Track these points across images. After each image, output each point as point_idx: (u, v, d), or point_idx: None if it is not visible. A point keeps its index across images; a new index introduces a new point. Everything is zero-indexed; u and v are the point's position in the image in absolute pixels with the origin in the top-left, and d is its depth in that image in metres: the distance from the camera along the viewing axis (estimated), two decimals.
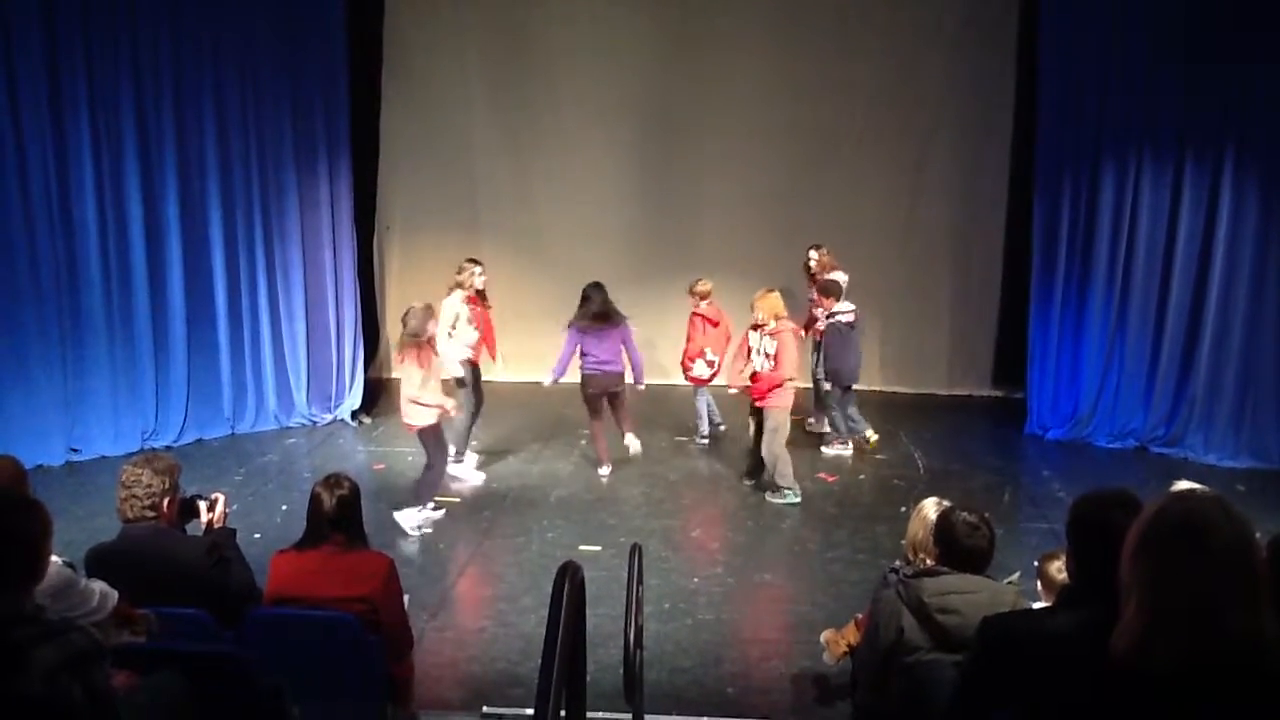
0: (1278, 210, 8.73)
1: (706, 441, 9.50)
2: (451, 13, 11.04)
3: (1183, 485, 4.44)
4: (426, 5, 10.98)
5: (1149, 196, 9.11)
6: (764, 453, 7.93)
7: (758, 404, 7.99)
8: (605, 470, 8.47)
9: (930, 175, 11.02)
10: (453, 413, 7.50)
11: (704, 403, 9.47)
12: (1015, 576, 4.28)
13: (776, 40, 10.81)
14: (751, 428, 8.22)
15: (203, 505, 4.25)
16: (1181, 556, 1.85)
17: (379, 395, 10.71)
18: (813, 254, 9.60)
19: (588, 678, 4.32)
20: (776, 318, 7.85)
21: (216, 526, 4.25)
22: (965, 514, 3.71)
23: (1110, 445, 9.43)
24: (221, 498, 4.34)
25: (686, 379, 9.43)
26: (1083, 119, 9.18)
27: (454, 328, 8.30)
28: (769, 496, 8.01)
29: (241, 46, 9.11)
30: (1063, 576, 3.79)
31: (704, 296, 9.23)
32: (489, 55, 11.08)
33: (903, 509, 7.46)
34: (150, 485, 4.00)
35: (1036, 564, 4.28)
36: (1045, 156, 9.46)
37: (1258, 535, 2.06)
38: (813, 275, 9.58)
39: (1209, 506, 1.91)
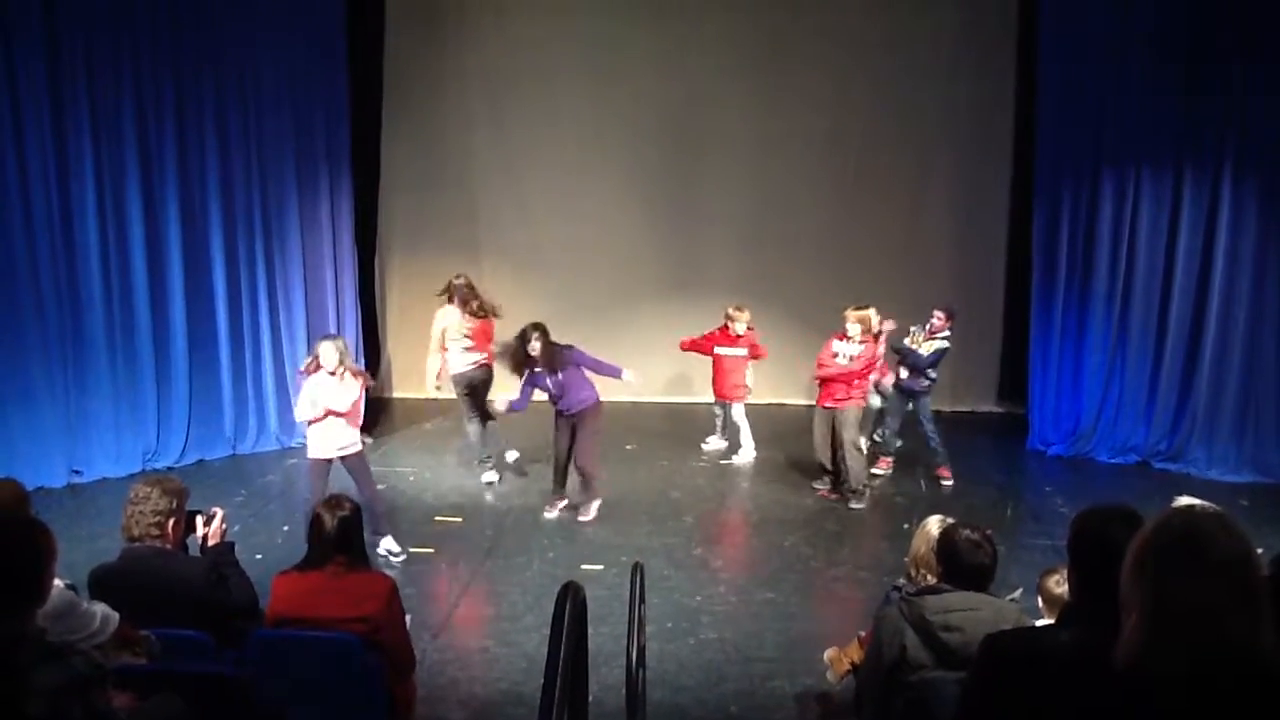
0: (1277, 223, 8.75)
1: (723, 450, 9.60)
2: (452, 33, 11.11)
3: (1185, 501, 4.45)
4: (427, 25, 11.05)
5: (1148, 210, 9.13)
6: (848, 457, 8.16)
7: (833, 406, 8.21)
8: (552, 514, 7.99)
9: (931, 189, 11.06)
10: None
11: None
12: (1017, 593, 4.27)
13: (774, 56, 10.86)
14: (817, 436, 8.35)
15: (199, 520, 4.26)
16: (1181, 568, 1.85)
17: (380, 415, 10.72)
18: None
19: (590, 697, 4.31)
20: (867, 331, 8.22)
21: (212, 543, 4.25)
22: (967, 531, 3.70)
23: (1112, 461, 9.42)
24: (220, 513, 4.34)
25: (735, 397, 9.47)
26: (1082, 133, 9.22)
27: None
28: (853, 504, 8.22)
29: (243, 67, 9.15)
30: (1061, 591, 3.80)
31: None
32: (489, 75, 11.13)
33: (905, 526, 7.45)
34: (158, 504, 4.03)
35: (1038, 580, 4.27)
36: (1044, 170, 9.50)
37: (1259, 551, 2.06)
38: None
39: (1208, 520, 1.91)
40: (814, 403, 11.03)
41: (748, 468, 9.33)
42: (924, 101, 10.78)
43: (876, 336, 8.36)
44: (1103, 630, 2.03)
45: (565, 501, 8.03)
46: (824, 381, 8.27)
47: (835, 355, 8.24)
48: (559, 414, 7.81)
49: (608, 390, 11.19)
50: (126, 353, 8.75)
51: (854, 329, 8.17)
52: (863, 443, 8.55)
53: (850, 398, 8.19)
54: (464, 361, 8.60)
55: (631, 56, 11.01)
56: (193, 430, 9.23)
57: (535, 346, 7.53)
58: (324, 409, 6.76)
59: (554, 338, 7.65)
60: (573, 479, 8.01)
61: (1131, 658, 1.87)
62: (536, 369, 7.61)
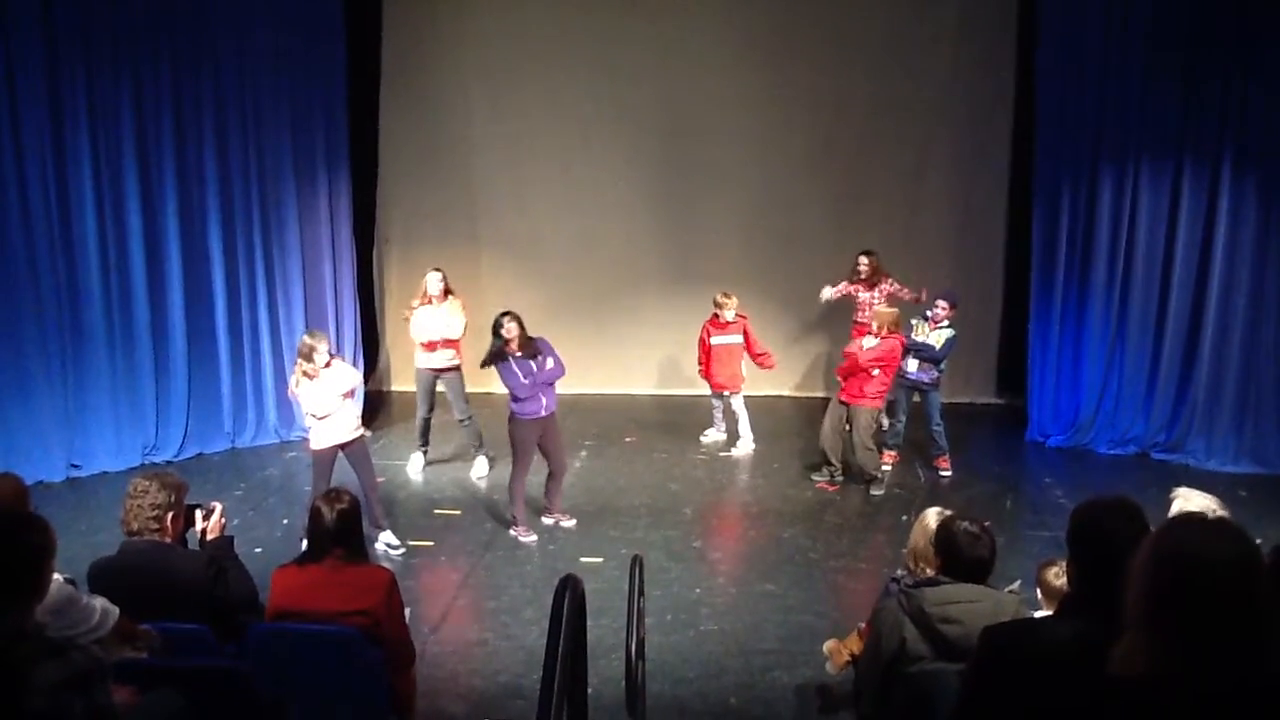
0: (1276, 215, 8.74)
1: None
2: (450, 26, 11.06)
3: (1184, 491, 4.45)
4: (425, 18, 11.00)
5: (1147, 203, 9.12)
6: (858, 453, 8.32)
7: (848, 401, 8.31)
8: (530, 538, 7.43)
9: (930, 183, 11.02)
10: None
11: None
12: (1016, 585, 4.26)
13: (775, 49, 10.82)
14: (827, 425, 8.43)
15: (199, 514, 4.26)
16: (1186, 597, 1.83)
17: (379, 408, 10.73)
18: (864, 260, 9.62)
19: (590, 690, 4.32)
20: (891, 330, 8.30)
21: (211, 536, 4.26)
22: (966, 524, 3.70)
23: (1111, 452, 9.42)
24: (219, 506, 4.35)
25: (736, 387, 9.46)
26: (1081, 127, 9.19)
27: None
28: (873, 490, 8.36)
29: (240, 61, 9.12)
30: (1060, 582, 3.80)
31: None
32: (487, 67, 11.10)
33: (904, 517, 7.47)
34: (156, 498, 4.03)
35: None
36: (1044, 164, 9.47)
37: (1258, 542, 2.05)
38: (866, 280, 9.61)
39: (1212, 542, 1.88)
40: (812, 394, 11.16)
41: (746, 460, 9.33)
42: (923, 95, 10.73)
43: (895, 332, 8.32)
44: (1101, 621, 2.03)
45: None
46: (844, 376, 8.37)
47: (858, 346, 8.33)
48: (528, 419, 7.22)
49: (602, 382, 11.26)
50: (125, 347, 8.75)
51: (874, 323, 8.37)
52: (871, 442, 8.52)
53: (864, 395, 8.21)
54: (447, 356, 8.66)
55: (631, 48, 10.97)
56: (191, 424, 9.23)
57: (511, 329, 7.12)
58: (342, 396, 6.87)
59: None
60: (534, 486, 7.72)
61: (1133, 668, 1.86)
62: (516, 355, 7.16)
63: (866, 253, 9.63)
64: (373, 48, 10.73)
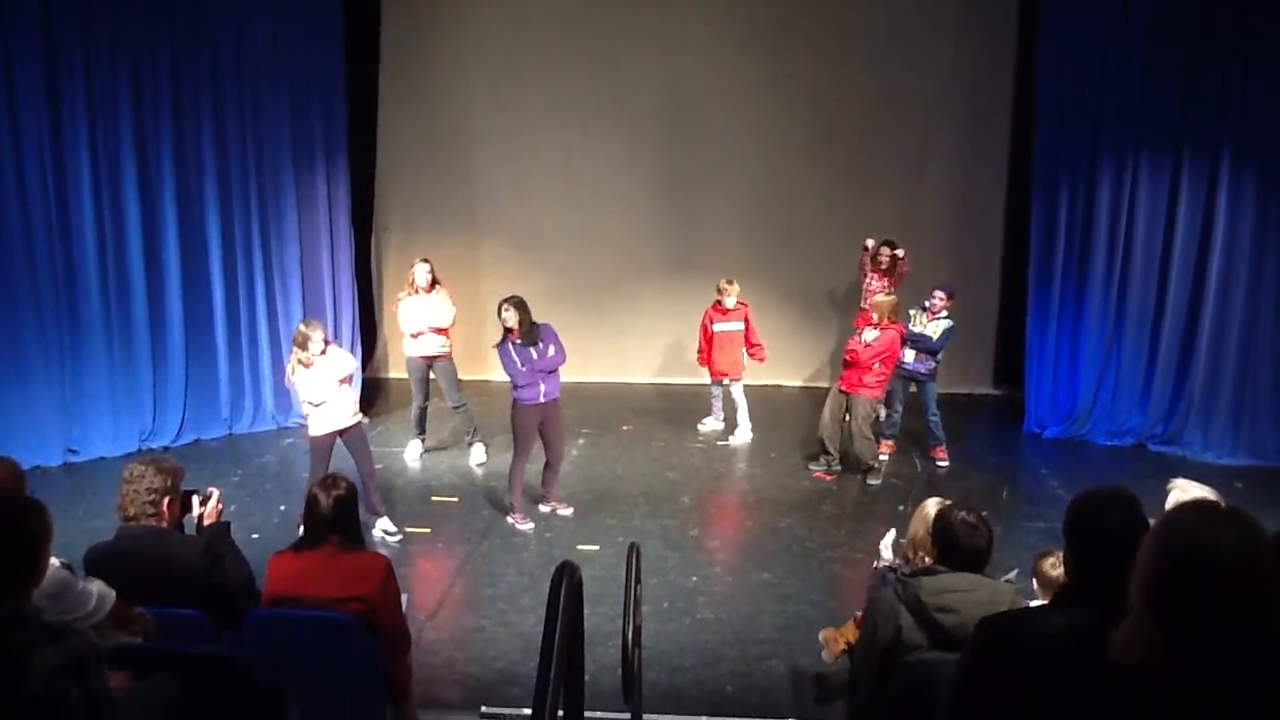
0: (1274, 209, 8.75)
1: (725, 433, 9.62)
2: (450, 15, 11.02)
3: (1180, 482, 4.45)
4: (424, 7, 10.97)
5: (1146, 196, 9.12)
6: (856, 441, 8.32)
7: (847, 390, 8.32)
8: (527, 525, 7.45)
9: (929, 175, 11.01)
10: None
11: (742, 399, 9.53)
12: (1013, 574, 4.27)
13: (776, 41, 10.80)
14: (826, 414, 8.45)
15: (195, 500, 4.26)
16: (1187, 583, 1.83)
17: (376, 395, 10.73)
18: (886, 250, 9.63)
19: (586, 677, 4.32)
20: (890, 319, 8.28)
21: (208, 522, 4.26)
22: (963, 514, 3.70)
23: (1108, 443, 9.43)
24: (215, 492, 4.35)
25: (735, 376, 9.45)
26: (1081, 120, 9.18)
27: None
28: (870, 480, 8.37)
29: (239, 49, 9.10)
30: (1056, 573, 3.81)
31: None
32: (487, 56, 11.06)
33: (901, 507, 7.49)
34: (153, 483, 4.03)
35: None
36: (1043, 157, 9.46)
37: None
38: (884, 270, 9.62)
39: (1218, 530, 1.89)
40: (810, 383, 11.17)
41: (744, 449, 9.34)
42: (923, 88, 10.72)
43: (894, 321, 8.30)
44: (1098, 612, 2.03)
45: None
46: (844, 365, 8.40)
47: (859, 340, 8.33)
48: (528, 405, 7.23)
49: (601, 371, 11.25)
50: (123, 333, 8.74)
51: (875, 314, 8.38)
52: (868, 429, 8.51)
53: (863, 385, 8.21)
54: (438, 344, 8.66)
55: (632, 38, 10.94)
56: (189, 410, 9.24)
57: (509, 317, 7.15)
58: (339, 382, 6.87)
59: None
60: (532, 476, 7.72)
61: (1132, 654, 1.86)
62: (517, 342, 7.19)
63: (888, 243, 9.62)
64: (371, 37, 10.70)
